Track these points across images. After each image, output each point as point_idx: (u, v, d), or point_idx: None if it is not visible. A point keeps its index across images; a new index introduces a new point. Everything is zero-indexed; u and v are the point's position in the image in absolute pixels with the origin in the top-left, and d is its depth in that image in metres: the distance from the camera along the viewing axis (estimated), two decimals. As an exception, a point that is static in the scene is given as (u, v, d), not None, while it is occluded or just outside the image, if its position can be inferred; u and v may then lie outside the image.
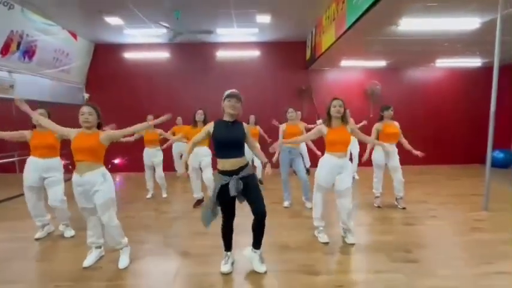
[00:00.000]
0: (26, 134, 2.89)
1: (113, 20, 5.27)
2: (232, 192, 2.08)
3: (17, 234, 3.18)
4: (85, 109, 2.28)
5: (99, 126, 2.41)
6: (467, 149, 7.07)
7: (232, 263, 2.37)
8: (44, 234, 3.06)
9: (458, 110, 7.19)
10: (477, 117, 6.88)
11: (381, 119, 3.76)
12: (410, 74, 7.20)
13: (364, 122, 5.38)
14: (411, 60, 6.33)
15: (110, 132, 2.35)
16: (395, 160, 3.73)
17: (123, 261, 2.41)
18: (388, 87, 6.95)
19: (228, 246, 2.35)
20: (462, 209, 3.83)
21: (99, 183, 2.27)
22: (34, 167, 2.86)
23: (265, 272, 2.27)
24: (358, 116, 5.70)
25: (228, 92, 2.18)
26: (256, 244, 2.28)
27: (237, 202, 2.25)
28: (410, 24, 3.91)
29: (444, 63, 6.47)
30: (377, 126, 3.75)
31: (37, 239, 3.00)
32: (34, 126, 2.88)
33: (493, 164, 6.66)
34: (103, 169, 2.35)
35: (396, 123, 3.77)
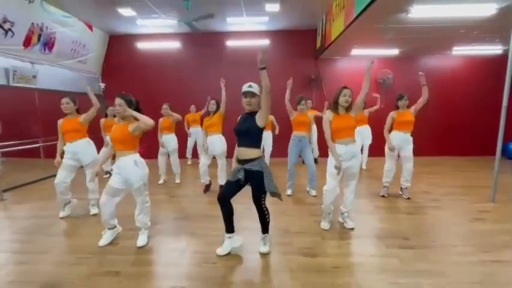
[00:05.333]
0: (59, 123, 3.26)
1: (126, 11, 5.41)
2: (232, 177, 2.27)
3: (43, 213, 3.51)
4: (115, 101, 2.47)
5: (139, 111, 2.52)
6: (484, 141, 6.84)
7: (236, 246, 2.46)
8: (66, 213, 3.38)
9: (475, 100, 6.93)
10: (495, 107, 6.61)
11: (397, 108, 3.78)
12: (424, 62, 6.96)
13: (376, 107, 5.51)
14: (425, 48, 6.12)
15: (137, 123, 2.45)
16: (409, 149, 3.73)
17: (142, 240, 2.63)
18: (401, 77, 6.78)
19: (227, 228, 2.42)
20: (468, 200, 3.81)
21: (132, 168, 2.46)
22: (66, 149, 3.28)
23: (268, 253, 2.44)
24: (369, 107, 5.73)
25: (244, 89, 2.29)
26: (262, 228, 2.47)
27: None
28: (421, 12, 3.79)
29: (461, 51, 6.20)
30: (392, 114, 3.79)
31: (61, 218, 3.31)
32: (65, 115, 3.26)
33: (508, 156, 6.51)
34: (136, 156, 2.51)
35: (412, 109, 3.72)
